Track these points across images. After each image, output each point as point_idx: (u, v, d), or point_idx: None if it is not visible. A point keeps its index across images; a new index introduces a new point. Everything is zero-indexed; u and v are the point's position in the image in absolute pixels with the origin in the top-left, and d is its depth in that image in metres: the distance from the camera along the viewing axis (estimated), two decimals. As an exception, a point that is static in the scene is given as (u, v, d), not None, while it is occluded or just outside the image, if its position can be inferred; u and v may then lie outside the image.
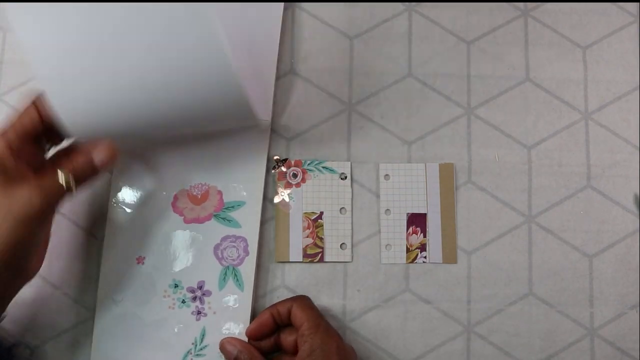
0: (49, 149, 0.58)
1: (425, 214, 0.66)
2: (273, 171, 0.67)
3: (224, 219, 0.65)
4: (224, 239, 0.64)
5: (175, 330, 0.62)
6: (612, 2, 0.71)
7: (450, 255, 0.66)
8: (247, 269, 0.64)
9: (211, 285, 0.63)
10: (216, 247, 0.64)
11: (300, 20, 0.70)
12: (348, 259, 0.66)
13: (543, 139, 0.68)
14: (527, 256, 0.66)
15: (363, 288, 0.66)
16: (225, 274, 0.63)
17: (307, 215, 0.66)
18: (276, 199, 0.66)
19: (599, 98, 0.69)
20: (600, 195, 0.67)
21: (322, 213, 0.66)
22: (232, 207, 0.65)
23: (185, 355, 0.62)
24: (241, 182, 0.66)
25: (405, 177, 0.67)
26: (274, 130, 0.68)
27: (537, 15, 0.71)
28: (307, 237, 0.66)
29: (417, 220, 0.66)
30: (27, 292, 0.64)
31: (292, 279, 0.66)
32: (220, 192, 0.65)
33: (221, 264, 0.64)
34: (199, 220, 0.65)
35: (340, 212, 0.67)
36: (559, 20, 0.71)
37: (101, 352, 0.62)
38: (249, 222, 0.65)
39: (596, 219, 0.67)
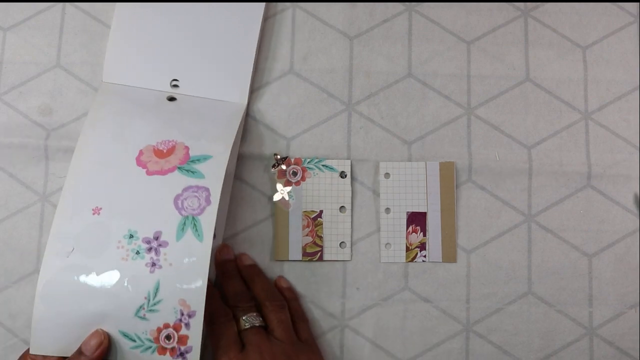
0: None
1: (425, 213, 0.70)
2: (273, 169, 0.70)
3: (188, 170, 0.64)
4: (186, 189, 0.63)
5: (126, 283, 0.60)
6: (612, 2, 0.75)
7: (449, 254, 0.69)
8: (208, 219, 0.62)
9: (168, 235, 0.61)
10: (177, 198, 0.62)
11: (300, 20, 0.74)
12: (347, 257, 0.69)
13: (543, 139, 0.72)
14: (527, 255, 0.70)
15: (362, 286, 0.69)
16: (184, 223, 0.61)
17: (306, 213, 0.70)
18: (276, 197, 0.70)
19: (599, 98, 0.73)
20: (600, 195, 0.71)
21: (321, 211, 0.70)
22: (198, 160, 0.64)
23: (138, 310, 0.59)
24: (210, 139, 0.66)
25: (405, 175, 0.70)
26: (274, 130, 0.72)
27: (537, 15, 0.74)
28: (307, 235, 0.69)
29: (417, 219, 0.70)
30: (27, 290, 0.68)
31: (291, 278, 0.69)
32: (187, 147, 0.65)
33: (180, 213, 0.62)
34: (161, 172, 0.63)
35: (340, 211, 0.70)
36: (559, 20, 0.74)
37: (46, 306, 0.59)
38: (213, 174, 0.64)
39: (596, 218, 0.70)
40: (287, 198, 0.70)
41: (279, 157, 0.70)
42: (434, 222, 0.70)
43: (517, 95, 0.73)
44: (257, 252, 0.69)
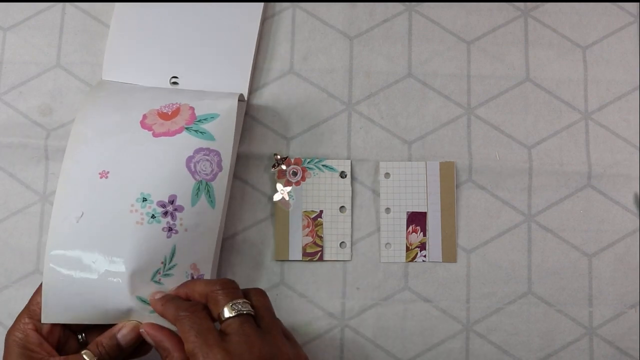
0: (82, 335, 0.61)
1: (425, 213, 0.70)
2: (273, 169, 0.70)
3: (196, 131, 0.63)
4: (197, 151, 0.62)
5: (144, 247, 0.59)
6: (612, 2, 0.76)
7: (449, 253, 0.70)
8: (220, 185, 0.62)
9: (183, 200, 0.60)
10: (189, 160, 0.61)
11: (300, 20, 0.75)
12: (347, 257, 0.70)
13: (543, 139, 0.72)
14: (527, 255, 0.70)
15: (362, 286, 0.69)
16: (199, 189, 0.61)
17: (306, 213, 0.70)
18: (276, 197, 0.70)
19: (599, 98, 0.73)
20: (600, 195, 0.71)
21: (321, 211, 0.70)
22: (205, 119, 0.63)
23: (154, 275, 0.59)
24: (214, 99, 0.66)
25: (405, 175, 0.71)
26: (274, 130, 0.72)
27: (537, 15, 0.75)
28: (307, 235, 0.70)
29: (417, 219, 0.70)
30: (27, 290, 0.67)
31: (291, 277, 0.70)
32: (192, 108, 0.65)
33: (194, 177, 0.61)
34: (169, 134, 0.62)
35: (340, 211, 0.70)
36: (559, 20, 0.75)
37: (57, 272, 0.58)
38: (222, 135, 0.63)
39: (596, 218, 0.71)
40: (287, 198, 0.70)
41: (279, 157, 0.71)
42: (434, 222, 0.70)
43: (517, 95, 0.73)
44: (257, 252, 0.70)
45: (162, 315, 0.56)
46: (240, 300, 0.54)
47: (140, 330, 0.57)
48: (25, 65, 0.73)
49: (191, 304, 0.55)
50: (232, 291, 0.55)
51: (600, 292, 0.70)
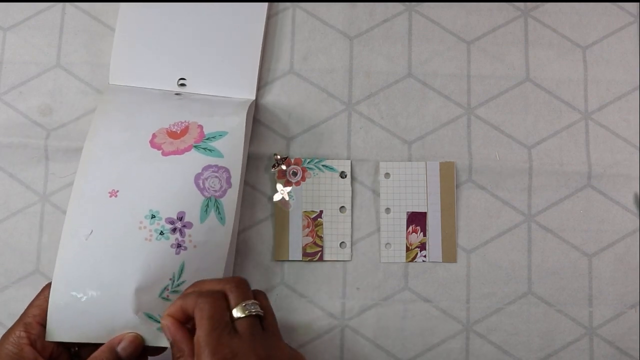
0: (75, 348, 0.61)
1: (425, 213, 0.70)
2: (273, 169, 0.70)
3: (205, 149, 0.63)
4: (206, 168, 0.62)
5: (152, 264, 0.59)
6: (612, 2, 0.76)
7: (449, 254, 0.70)
8: (230, 202, 0.62)
9: (192, 217, 0.61)
10: (197, 177, 0.62)
11: (300, 20, 0.75)
12: (347, 257, 0.70)
13: (543, 139, 0.72)
14: (527, 255, 0.70)
15: (362, 286, 0.69)
16: (207, 205, 0.61)
17: (306, 214, 0.70)
18: (276, 197, 0.70)
19: (599, 98, 0.73)
20: (600, 195, 0.71)
21: (321, 212, 0.70)
22: (214, 137, 0.64)
23: (162, 292, 0.59)
24: (223, 115, 0.66)
25: (405, 175, 0.71)
26: (274, 130, 0.72)
27: (537, 15, 0.75)
28: (307, 235, 0.70)
29: (417, 219, 0.70)
30: (27, 290, 0.68)
31: (291, 277, 0.70)
32: (200, 126, 0.65)
33: (203, 194, 0.61)
34: (178, 152, 0.63)
35: (340, 211, 0.70)
36: (559, 20, 0.75)
37: (64, 289, 0.58)
38: (231, 152, 0.64)
39: (596, 218, 0.71)
40: (287, 198, 0.70)
41: (279, 157, 0.70)
42: (434, 222, 0.70)
43: (517, 95, 0.73)
44: (257, 252, 0.70)
45: (183, 307, 0.55)
46: (251, 301, 0.54)
47: (162, 322, 0.55)
48: (25, 65, 0.73)
49: (212, 292, 0.54)
50: (245, 291, 0.55)
51: (600, 292, 0.70)
